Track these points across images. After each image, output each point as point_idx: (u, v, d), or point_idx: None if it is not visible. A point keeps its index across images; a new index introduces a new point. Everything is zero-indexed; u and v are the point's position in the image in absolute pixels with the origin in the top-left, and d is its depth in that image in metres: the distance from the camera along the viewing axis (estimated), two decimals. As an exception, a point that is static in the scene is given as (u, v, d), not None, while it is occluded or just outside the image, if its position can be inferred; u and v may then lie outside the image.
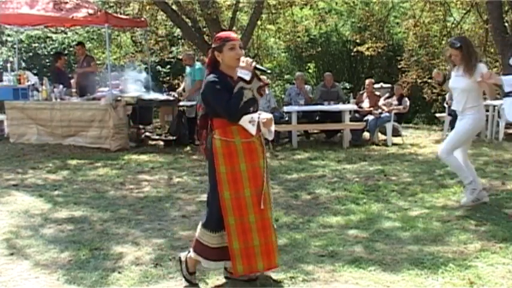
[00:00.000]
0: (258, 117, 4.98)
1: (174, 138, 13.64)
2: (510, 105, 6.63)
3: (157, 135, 15.07)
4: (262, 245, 4.99)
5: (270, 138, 5.16)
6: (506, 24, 16.45)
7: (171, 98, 14.10)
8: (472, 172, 7.75)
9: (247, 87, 4.83)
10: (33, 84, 14.32)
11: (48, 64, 20.76)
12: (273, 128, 5.12)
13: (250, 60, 4.89)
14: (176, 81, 20.63)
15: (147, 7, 16.94)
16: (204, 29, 17.21)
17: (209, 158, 5.03)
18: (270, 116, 5.08)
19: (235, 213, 4.92)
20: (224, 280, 5.28)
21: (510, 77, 7.39)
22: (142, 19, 15.95)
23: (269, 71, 4.98)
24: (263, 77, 5.02)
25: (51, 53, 21.71)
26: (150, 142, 14.23)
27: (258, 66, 4.95)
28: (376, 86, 15.29)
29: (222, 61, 4.97)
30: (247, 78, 4.82)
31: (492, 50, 18.85)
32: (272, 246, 5.07)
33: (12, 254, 6.08)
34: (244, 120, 4.90)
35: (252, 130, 4.92)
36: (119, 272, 5.50)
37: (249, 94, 4.83)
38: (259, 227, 4.97)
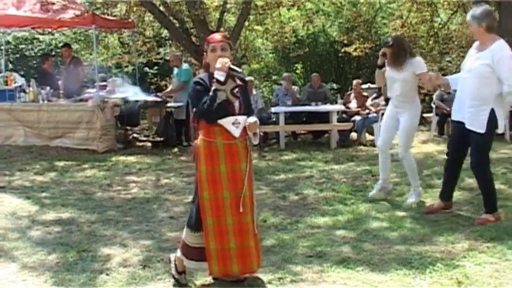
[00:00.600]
0: (244, 120, 4.98)
1: (162, 139, 13.63)
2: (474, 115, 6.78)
3: (144, 136, 15.03)
4: (238, 248, 4.97)
5: (255, 142, 5.14)
6: (492, 24, 16.51)
7: (159, 100, 14.07)
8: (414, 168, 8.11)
9: (221, 88, 4.84)
10: (20, 86, 14.24)
11: (35, 65, 20.67)
12: (257, 131, 5.10)
13: (226, 60, 4.89)
14: (164, 82, 20.59)
15: (135, 8, 16.92)
16: (192, 30, 17.18)
17: (194, 158, 5.07)
18: (254, 119, 5.05)
19: (212, 214, 4.94)
20: (212, 281, 5.28)
21: (455, 75, 7.53)
22: (130, 20, 15.93)
23: (240, 70, 5.02)
24: (249, 78, 5.05)
25: (39, 54, 21.62)
26: (138, 143, 14.19)
27: (233, 67, 4.95)
28: (363, 86, 15.30)
29: (210, 63, 5.02)
30: (222, 79, 4.84)
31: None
32: (249, 250, 5.04)
33: (-1, 257, 6.06)
34: (227, 122, 4.91)
35: (235, 132, 4.95)
36: (107, 274, 5.49)
37: (222, 96, 4.84)
38: (236, 230, 4.96)
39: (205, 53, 5.13)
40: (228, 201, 4.95)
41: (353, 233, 6.58)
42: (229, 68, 4.91)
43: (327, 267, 5.50)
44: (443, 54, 19.56)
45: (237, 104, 5.03)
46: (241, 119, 4.98)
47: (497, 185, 8.65)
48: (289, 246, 6.16)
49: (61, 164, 11.34)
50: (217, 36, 5.20)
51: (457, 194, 8.23)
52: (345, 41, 19.57)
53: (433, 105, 15.33)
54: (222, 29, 17.64)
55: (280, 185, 9.23)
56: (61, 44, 20.04)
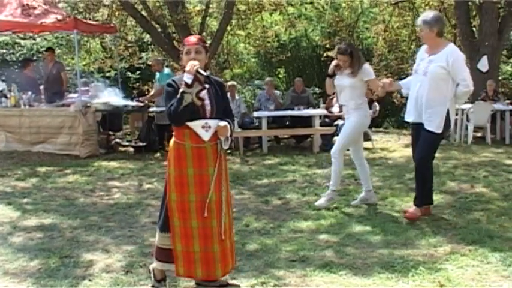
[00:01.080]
0: (215, 124, 4.96)
1: (144, 144, 13.58)
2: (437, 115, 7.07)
3: (127, 141, 14.95)
4: (202, 252, 4.95)
5: (225, 147, 5.09)
6: (473, 29, 16.66)
7: (141, 104, 14.04)
8: (366, 171, 8.21)
9: (188, 91, 4.82)
10: (1, 91, 14.15)
11: (16, 70, 20.60)
12: (229, 135, 5.05)
13: (195, 63, 4.89)
14: (146, 87, 20.56)
15: (117, 13, 16.89)
16: (174, 35, 17.18)
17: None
18: (224, 123, 5.00)
19: (179, 216, 4.95)
20: (195, 286, 5.26)
21: (406, 80, 7.79)
22: (112, 25, 15.88)
23: (206, 74, 5.04)
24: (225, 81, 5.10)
25: (20, 59, 21.51)
26: (120, 148, 14.14)
27: (200, 70, 4.92)
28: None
29: (184, 65, 5.04)
30: (189, 81, 4.83)
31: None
32: (213, 255, 4.99)
33: (-20, 263, 6.02)
34: (197, 125, 4.91)
35: (204, 136, 4.93)
36: (90, 280, 5.46)
37: (188, 98, 4.81)
38: (200, 234, 4.94)
39: (181, 55, 5.18)
40: (194, 204, 4.93)
41: (336, 237, 6.58)
42: (197, 72, 4.88)
43: (310, 272, 5.50)
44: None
45: (209, 107, 4.99)
46: (212, 122, 4.96)
47: (479, 188, 8.80)
48: (272, 250, 6.16)
49: (43, 169, 11.28)
50: (192, 38, 5.19)
51: (438, 198, 8.29)
52: (327, 46, 19.64)
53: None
54: (204, 33, 17.66)
55: (263, 190, 9.23)
56: (43, 49, 19.96)
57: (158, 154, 12.99)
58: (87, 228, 7.17)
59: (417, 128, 7.24)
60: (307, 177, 10.13)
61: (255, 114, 14.06)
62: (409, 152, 12.83)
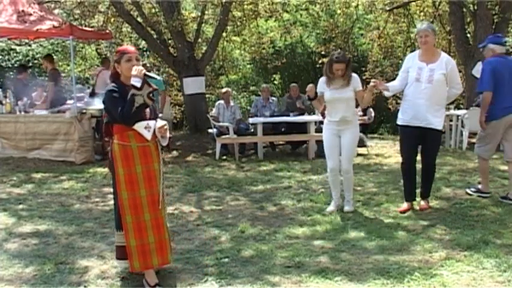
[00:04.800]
0: (154, 124, 5.39)
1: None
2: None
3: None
4: (157, 242, 5.38)
5: (164, 144, 5.57)
6: (468, 35, 16.69)
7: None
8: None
9: (138, 93, 5.19)
10: (-4, 97, 14.17)
11: (12, 77, 20.61)
12: (167, 134, 5.56)
13: (141, 68, 5.27)
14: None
15: (112, 19, 16.88)
16: (169, 41, 17.20)
17: (111, 162, 5.43)
18: (164, 123, 5.49)
19: (131, 212, 5.30)
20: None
21: (392, 83, 8.25)
22: (107, 31, 15.88)
23: (158, 78, 5.37)
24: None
25: (16, 65, 21.53)
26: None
27: (148, 73, 5.33)
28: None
29: (121, 72, 5.40)
30: (138, 85, 5.19)
31: (455, 61, 19.08)
32: (165, 243, 5.48)
33: (-25, 270, 6.01)
34: (140, 126, 5.31)
35: (147, 135, 5.36)
36: (85, 286, 5.47)
37: (140, 100, 5.20)
38: (153, 225, 5.37)
39: (115, 63, 5.46)
40: (145, 199, 5.35)
41: (331, 243, 6.59)
42: (145, 75, 5.24)
43: (305, 278, 5.51)
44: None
45: (148, 110, 5.38)
46: (151, 123, 5.41)
47: (474, 195, 8.77)
48: (267, 256, 6.17)
49: (38, 175, 11.28)
50: (131, 47, 5.63)
51: (433, 203, 8.32)
52: (323, 52, 19.64)
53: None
54: (199, 40, 17.68)
55: (259, 196, 9.23)
56: (38, 55, 19.95)
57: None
58: (83, 235, 7.18)
59: (413, 132, 7.83)
60: (303, 184, 10.14)
61: (251, 120, 14.06)
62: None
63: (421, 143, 7.98)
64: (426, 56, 7.72)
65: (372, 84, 7.93)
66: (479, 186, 8.93)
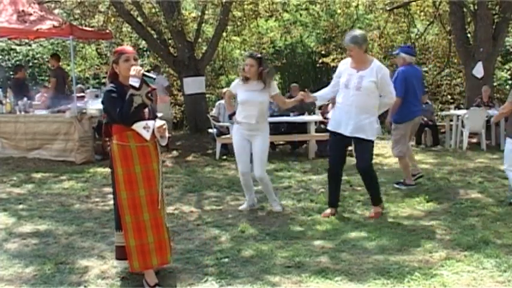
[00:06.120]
0: (153, 124, 5.39)
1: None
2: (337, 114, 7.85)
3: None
4: (156, 241, 5.38)
5: (163, 144, 5.58)
6: (468, 35, 16.70)
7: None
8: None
9: (136, 93, 5.19)
10: (-4, 97, 14.18)
11: (12, 76, 20.64)
12: (166, 134, 5.56)
13: (139, 68, 5.27)
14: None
15: (112, 19, 16.88)
16: (170, 41, 17.20)
17: (110, 162, 5.44)
18: (162, 122, 5.49)
19: (130, 212, 5.30)
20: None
21: (321, 92, 8.26)
22: (108, 31, 15.88)
23: (154, 77, 5.40)
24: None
25: (16, 65, 21.55)
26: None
27: (146, 73, 5.34)
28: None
29: (119, 72, 5.42)
30: (137, 85, 5.19)
31: (455, 61, 19.11)
32: (165, 242, 5.47)
33: (-25, 269, 6.00)
34: (139, 126, 5.31)
35: (146, 135, 5.36)
36: (85, 286, 5.46)
37: (138, 100, 5.21)
38: (153, 224, 5.36)
39: (113, 64, 5.48)
40: (144, 198, 5.34)
41: (331, 243, 6.59)
42: (143, 75, 5.28)
43: (305, 278, 5.50)
44: (420, 65, 19.73)
45: (146, 110, 5.39)
46: (150, 123, 5.41)
47: (474, 194, 8.83)
48: (267, 256, 6.16)
49: (38, 175, 11.28)
50: (129, 48, 5.67)
51: (433, 203, 8.33)
52: (323, 52, 19.67)
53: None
54: (199, 39, 17.67)
55: (259, 196, 9.19)
56: (38, 55, 19.94)
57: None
58: (83, 235, 7.17)
59: (340, 140, 7.76)
60: (303, 183, 10.14)
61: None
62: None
63: (354, 149, 8.04)
64: (357, 63, 7.66)
65: (299, 97, 8.09)
66: (406, 180, 9.62)
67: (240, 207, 8.33)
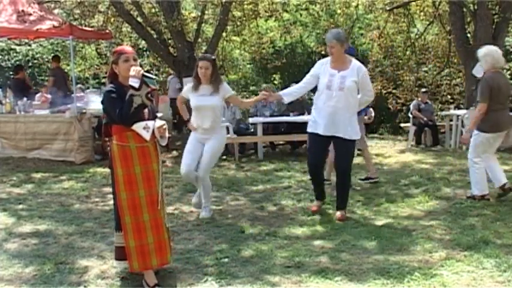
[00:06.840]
0: (153, 125, 5.39)
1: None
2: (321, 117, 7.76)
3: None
4: (156, 242, 5.38)
5: (163, 144, 5.59)
6: (468, 34, 16.69)
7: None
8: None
9: (136, 94, 5.19)
10: (-4, 97, 14.19)
11: (12, 77, 20.64)
12: (166, 134, 5.57)
13: (139, 69, 5.26)
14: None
15: (112, 19, 16.86)
16: (169, 41, 17.19)
17: (110, 162, 5.44)
18: (162, 122, 5.51)
19: (130, 213, 5.30)
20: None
21: (288, 90, 8.45)
22: (107, 31, 15.88)
23: (154, 78, 5.36)
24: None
25: (16, 65, 21.57)
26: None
27: (146, 74, 5.37)
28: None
29: (119, 73, 5.41)
30: (136, 85, 5.19)
31: (455, 61, 19.09)
32: (165, 243, 5.47)
33: (-25, 270, 6.00)
34: (139, 127, 5.31)
35: (146, 136, 5.35)
36: (85, 286, 5.46)
37: (138, 100, 5.20)
38: (152, 225, 5.37)
39: (112, 64, 5.46)
40: (144, 199, 5.34)
41: (331, 243, 6.59)
42: (143, 75, 5.28)
43: (305, 278, 5.50)
44: (420, 65, 19.74)
45: (146, 110, 5.38)
46: (150, 123, 5.40)
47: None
48: (267, 256, 6.16)
49: (38, 175, 11.28)
50: (128, 48, 5.66)
51: (433, 203, 8.34)
52: (323, 52, 19.61)
53: (410, 115, 15.43)
54: (199, 39, 17.66)
55: (258, 196, 9.23)
56: (38, 55, 19.93)
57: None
58: (83, 235, 7.17)
59: (321, 139, 7.73)
60: (303, 183, 10.13)
61: (251, 120, 14.06)
62: (404, 157, 12.93)
63: (334, 149, 7.92)
64: (337, 63, 7.65)
65: (260, 96, 8.05)
66: (369, 174, 10.15)
67: (193, 200, 8.29)
